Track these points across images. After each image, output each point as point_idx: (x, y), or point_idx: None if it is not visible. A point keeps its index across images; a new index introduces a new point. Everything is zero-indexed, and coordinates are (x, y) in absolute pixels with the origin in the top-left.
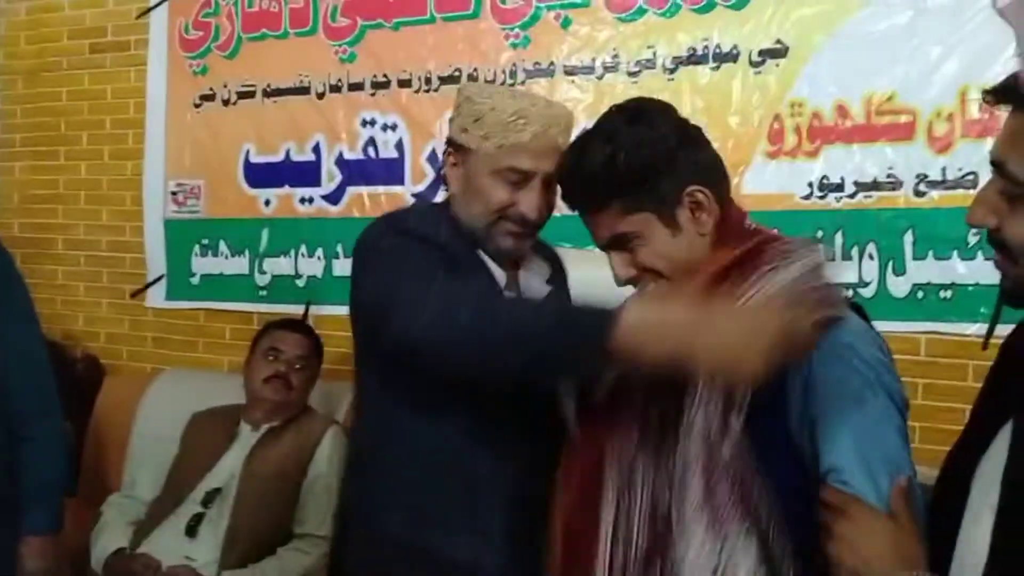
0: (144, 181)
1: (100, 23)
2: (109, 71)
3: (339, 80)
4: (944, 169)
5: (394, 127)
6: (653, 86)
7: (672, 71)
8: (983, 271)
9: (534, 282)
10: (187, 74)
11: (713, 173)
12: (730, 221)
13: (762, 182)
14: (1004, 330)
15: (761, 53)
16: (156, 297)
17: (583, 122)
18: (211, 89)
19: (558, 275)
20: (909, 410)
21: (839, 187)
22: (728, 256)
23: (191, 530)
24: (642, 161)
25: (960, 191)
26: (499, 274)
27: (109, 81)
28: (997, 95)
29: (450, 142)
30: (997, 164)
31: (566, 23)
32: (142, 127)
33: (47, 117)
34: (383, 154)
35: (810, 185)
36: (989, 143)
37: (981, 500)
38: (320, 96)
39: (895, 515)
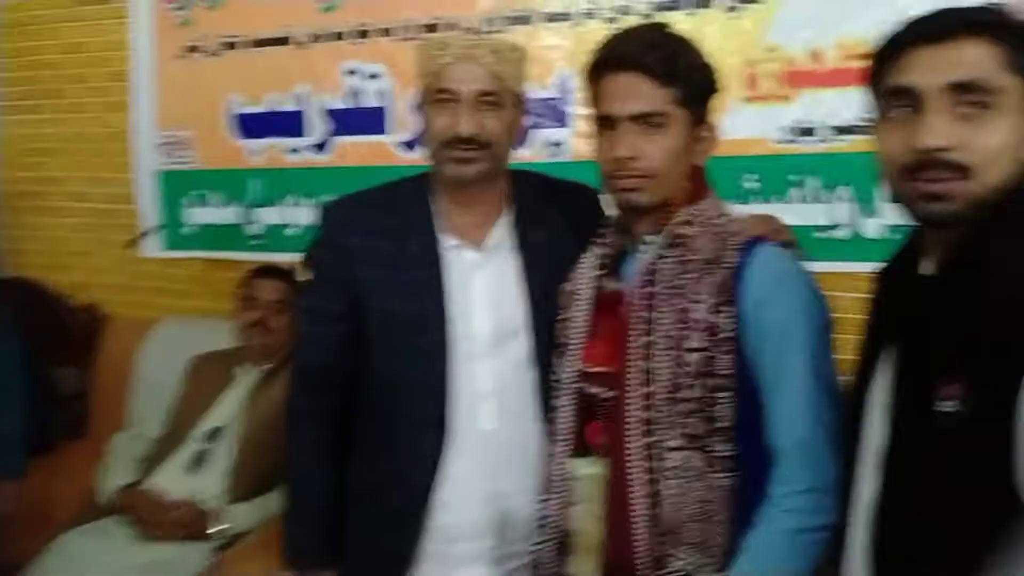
0: (133, 133)
1: None
2: (93, 24)
3: (321, 29)
4: None
5: (377, 76)
6: None
7: (648, 17)
8: None
9: (496, 235)
10: (171, 25)
11: None
12: (700, 172)
13: (738, 127)
14: None
15: None
16: (152, 247)
17: (561, 68)
18: (196, 40)
19: (555, 219)
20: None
21: (813, 131)
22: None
23: (194, 465)
24: (712, 81)
25: None
26: (449, 241)
27: (94, 34)
28: (972, 26)
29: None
30: (964, 85)
31: None
32: (129, 79)
33: (33, 71)
34: (367, 103)
35: (785, 129)
36: None
37: (870, 419)
38: (302, 46)
39: None
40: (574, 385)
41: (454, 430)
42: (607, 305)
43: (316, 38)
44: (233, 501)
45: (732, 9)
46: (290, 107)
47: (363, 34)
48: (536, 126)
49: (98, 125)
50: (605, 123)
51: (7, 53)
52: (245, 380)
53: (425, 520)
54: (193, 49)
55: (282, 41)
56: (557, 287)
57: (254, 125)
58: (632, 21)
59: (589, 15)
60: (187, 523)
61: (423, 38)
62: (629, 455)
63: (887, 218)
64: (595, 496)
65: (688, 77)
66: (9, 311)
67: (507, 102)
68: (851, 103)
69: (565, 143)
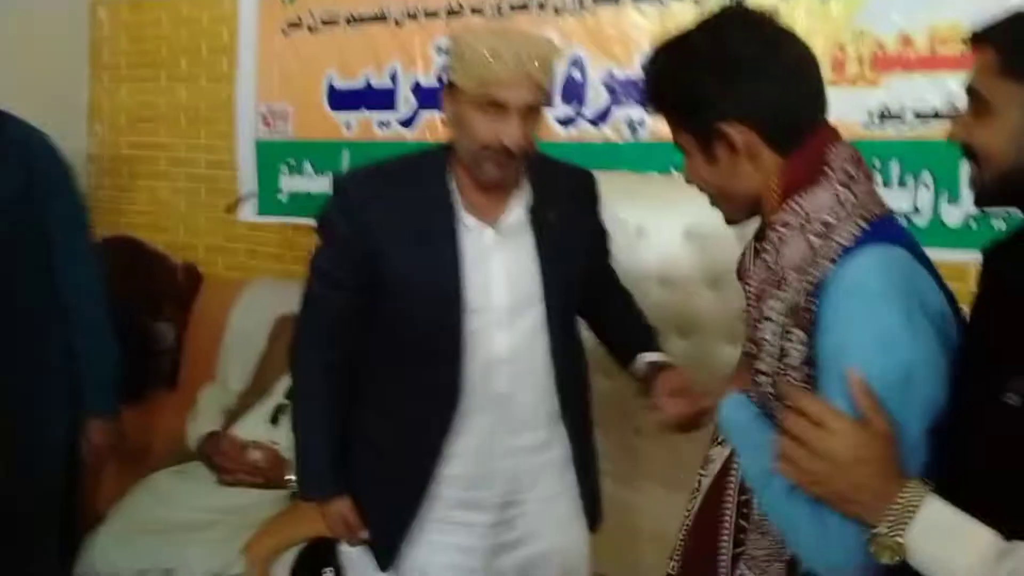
0: (237, 104)
1: None
2: None
3: (416, 8)
4: None
5: None
6: None
7: None
8: None
9: (513, 215)
10: (276, 1)
11: (773, 111)
12: (797, 165)
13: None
14: None
15: None
16: (248, 212)
17: (644, 48)
18: (298, 17)
19: (564, 199)
20: None
21: (898, 116)
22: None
23: (274, 418)
24: (686, 84)
25: None
26: (469, 221)
27: (205, 8)
28: (979, 37)
29: (447, 82)
30: (970, 90)
31: None
32: (235, 52)
33: (149, 43)
34: None
35: (870, 114)
36: None
37: None
38: (398, 24)
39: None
40: None
41: (468, 393)
42: None
43: (411, 16)
44: None
45: None
46: (383, 83)
47: (455, 13)
48: (617, 104)
49: (206, 95)
50: None
51: (128, 25)
52: None
53: (438, 468)
54: (296, 25)
55: (378, 19)
56: (566, 261)
57: (348, 99)
58: (720, 1)
59: None
60: (265, 468)
61: (513, 18)
62: None
63: (969, 207)
64: None
65: (666, 99)
66: (105, 267)
67: (543, 105)
68: (939, 89)
69: (645, 123)
